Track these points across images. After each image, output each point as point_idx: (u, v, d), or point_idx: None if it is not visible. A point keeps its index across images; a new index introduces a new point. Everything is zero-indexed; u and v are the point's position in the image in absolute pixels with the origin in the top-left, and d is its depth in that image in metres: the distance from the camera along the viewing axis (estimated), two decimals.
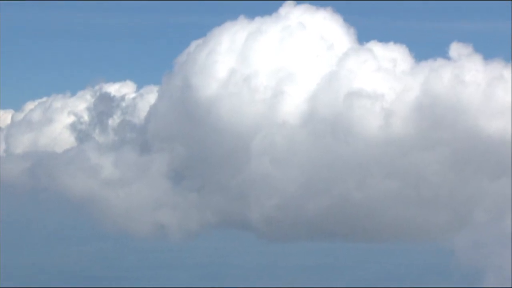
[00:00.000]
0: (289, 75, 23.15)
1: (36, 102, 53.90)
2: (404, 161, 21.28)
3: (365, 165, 21.64)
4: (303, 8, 25.71)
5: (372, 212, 22.41)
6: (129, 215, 27.11)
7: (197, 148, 25.20)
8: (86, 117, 30.18)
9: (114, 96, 30.63)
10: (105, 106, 29.15)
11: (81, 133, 30.46)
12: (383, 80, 22.20)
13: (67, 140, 36.55)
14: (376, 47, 24.10)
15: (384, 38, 24.99)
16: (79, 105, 38.67)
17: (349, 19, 26.39)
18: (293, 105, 22.92)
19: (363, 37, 26.38)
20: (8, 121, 55.52)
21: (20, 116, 52.61)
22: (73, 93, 47.94)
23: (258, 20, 25.67)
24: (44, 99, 53.42)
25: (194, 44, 26.71)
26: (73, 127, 31.56)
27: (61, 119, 43.20)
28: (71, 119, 32.40)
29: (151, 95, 31.11)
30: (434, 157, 20.57)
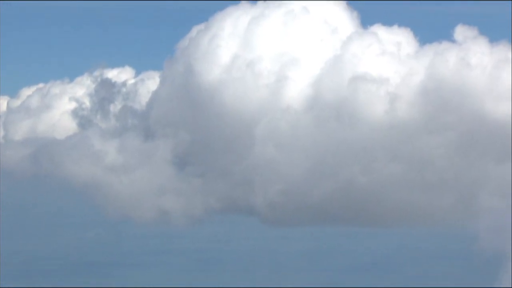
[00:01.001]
0: (292, 60, 22.98)
1: (34, 88, 53.61)
2: (409, 145, 21.30)
3: (370, 150, 21.64)
4: None
5: (377, 196, 22.51)
6: (132, 201, 27.19)
7: (200, 134, 25.15)
8: (87, 103, 30.04)
9: (115, 82, 30.48)
10: (106, 92, 29.01)
11: (83, 119, 30.36)
12: (388, 64, 22.08)
13: (67, 126, 36.42)
14: (380, 30, 23.92)
15: (388, 21, 24.73)
16: (78, 91, 38.44)
17: (352, 2, 26.13)
18: (297, 90, 22.82)
19: (367, 20, 26.17)
20: (4, 107, 55.24)
21: (16, 102, 52.41)
22: (71, 79, 47.68)
23: (260, 4, 25.38)
24: (41, 85, 53.15)
25: (195, 29, 26.51)
26: (74, 113, 31.44)
27: (60, 106, 42.99)
28: (72, 105, 32.25)
29: (151, 81, 31.00)
30: (439, 141, 20.57)
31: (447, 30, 23.30)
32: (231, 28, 24.59)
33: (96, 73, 31.69)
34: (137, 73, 40.01)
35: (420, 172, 21.32)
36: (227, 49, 23.92)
